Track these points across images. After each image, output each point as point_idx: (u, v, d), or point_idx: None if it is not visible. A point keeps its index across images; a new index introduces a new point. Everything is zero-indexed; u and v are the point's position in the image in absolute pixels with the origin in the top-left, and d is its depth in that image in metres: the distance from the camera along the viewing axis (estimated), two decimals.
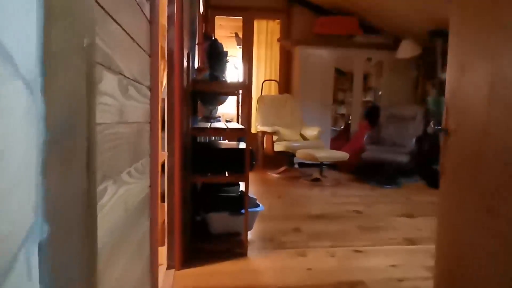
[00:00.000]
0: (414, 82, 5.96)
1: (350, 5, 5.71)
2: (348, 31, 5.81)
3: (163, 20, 2.35)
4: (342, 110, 8.34)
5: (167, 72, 2.06)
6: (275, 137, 5.00)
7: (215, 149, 2.59)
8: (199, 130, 2.48)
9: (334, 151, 4.78)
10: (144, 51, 1.06)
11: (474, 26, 1.50)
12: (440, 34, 5.10)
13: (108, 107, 0.71)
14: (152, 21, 1.13)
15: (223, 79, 2.73)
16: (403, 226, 3.05)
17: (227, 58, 2.89)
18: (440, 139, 5.40)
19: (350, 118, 6.85)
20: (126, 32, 0.84)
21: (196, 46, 3.63)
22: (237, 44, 6.76)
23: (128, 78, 0.87)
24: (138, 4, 0.98)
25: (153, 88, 1.15)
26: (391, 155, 4.55)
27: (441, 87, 5.38)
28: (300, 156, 4.67)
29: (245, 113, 6.28)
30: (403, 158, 4.47)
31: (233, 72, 7.36)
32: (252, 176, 5.19)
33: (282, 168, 5.14)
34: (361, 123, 5.88)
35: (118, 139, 0.78)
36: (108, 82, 0.71)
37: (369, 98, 7.01)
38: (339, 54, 5.89)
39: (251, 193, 3.68)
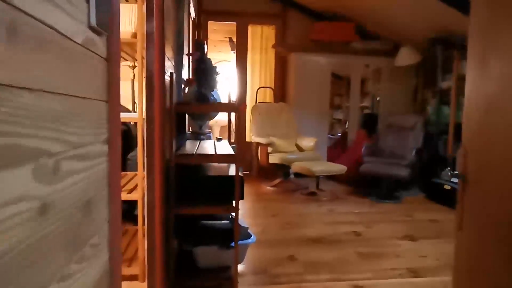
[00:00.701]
0: (413, 90, 5.75)
1: (347, 11, 5.49)
2: (345, 37, 5.59)
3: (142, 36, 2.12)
4: (339, 115, 8.15)
5: (146, 96, 1.83)
6: (269, 149, 4.77)
7: (202, 176, 2.35)
8: (183, 157, 2.25)
9: (331, 164, 4.56)
10: (97, 100, 0.83)
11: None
12: (440, 42, 4.89)
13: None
14: (110, 59, 0.90)
15: (212, 98, 2.50)
16: (406, 253, 2.83)
17: (217, 72, 2.67)
18: (440, 149, 5.26)
19: (347, 124, 6.65)
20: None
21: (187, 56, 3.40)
22: (231, 49, 6.53)
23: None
24: (83, 46, 0.75)
25: (112, 141, 0.92)
26: (390, 169, 4.34)
27: (441, 96, 5.17)
28: (296, 169, 4.45)
29: (239, 125, 6.04)
30: (403, 172, 4.27)
31: (225, 83, 7.16)
32: (246, 188, 4.96)
33: (277, 180, 4.92)
34: (358, 132, 5.67)
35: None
36: None
37: (366, 103, 6.81)
38: (336, 60, 5.67)
39: (243, 214, 3.47)
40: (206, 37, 5.75)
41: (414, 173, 4.58)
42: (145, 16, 1.79)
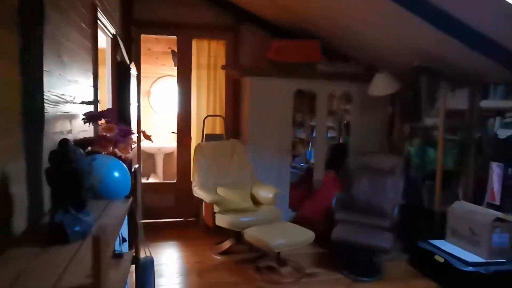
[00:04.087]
0: (388, 122, 4.78)
1: (313, 26, 4.40)
2: (310, 58, 4.51)
3: None
4: (301, 134, 7.09)
5: None
6: (216, 207, 3.60)
7: None
8: None
9: (295, 230, 3.44)
10: None
11: None
12: (425, 71, 3.92)
13: None
14: None
15: (75, 231, 1.30)
16: None
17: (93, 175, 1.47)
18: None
19: (312, 159, 5.60)
20: None
21: None
22: (174, 64, 5.24)
23: None
24: None
25: None
26: (369, 237, 3.31)
27: (426, 134, 4.21)
28: (250, 240, 3.31)
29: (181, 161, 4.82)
30: (386, 243, 3.25)
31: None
32: (188, 253, 3.78)
33: (228, 244, 3.75)
34: (326, 176, 4.62)
35: None
36: None
37: (332, 123, 5.80)
38: (299, 84, 4.58)
39: None
40: (138, 57, 4.45)
41: (396, 233, 3.59)
42: None
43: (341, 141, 5.54)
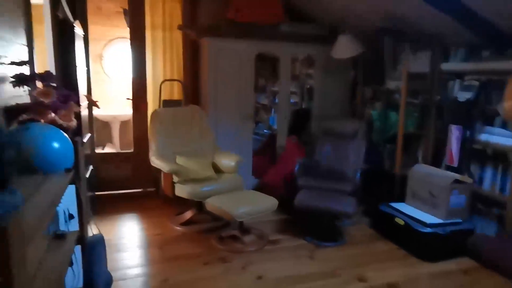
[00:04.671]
0: (351, 86, 4.69)
1: None
2: (272, 18, 4.26)
3: None
4: (264, 100, 6.92)
5: None
6: (175, 178, 3.41)
7: None
8: None
9: (257, 197, 3.33)
10: None
11: None
12: (390, 32, 3.81)
13: None
14: None
15: None
16: None
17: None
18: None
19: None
20: None
21: None
22: (128, 25, 4.81)
23: None
24: None
25: None
26: (332, 203, 3.27)
27: (388, 98, 4.17)
28: (211, 209, 3.17)
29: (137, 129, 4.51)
30: (348, 208, 3.22)
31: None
32: (148, 225, 3.60)
33: (189, 214, 3.60)
34: (289, 142, 4.51)
35: None
36: None
37: (295, 89, 5.67)
38: (261, 47, 4.35)
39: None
40: (84, 15, 4.00)
41: (358, 197, 3.60)
42: None
43: (303, 107, 5.45)
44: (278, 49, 4.42)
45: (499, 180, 3.23)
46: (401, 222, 3.29)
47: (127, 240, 3.28)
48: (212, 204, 3.13)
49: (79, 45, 3.50)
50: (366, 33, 3.94)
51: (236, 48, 4.21)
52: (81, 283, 1.58)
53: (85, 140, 3.46)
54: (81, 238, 1.57)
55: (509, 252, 2.94)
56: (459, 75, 3.56)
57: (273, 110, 6.29)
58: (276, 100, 5.75)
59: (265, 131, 5.81)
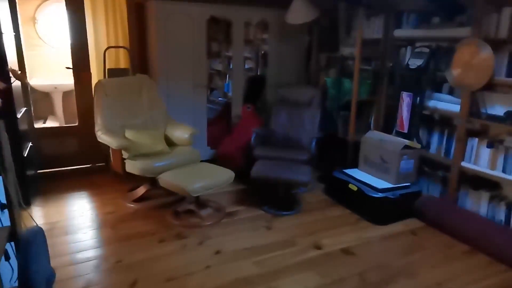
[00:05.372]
0: (305, 52, 4.59)
1: None
2: None
3: None
4: (218, 66, 6.67)
5: None
6: (125, 153, 3.21)
7: None
8: None
9: (213, 170, 3.22)
10: None
11: None
12: None
13: None
14: None
15: None
16: None
17: None
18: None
19: (230, 92, 5.30)
20: None
21: None
22: None
23: None
24: None
25: None
26: (287, 173, 3.24)
27: (342, 64, 4.13)
28: (165, 185, 3.04)
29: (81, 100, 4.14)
30: (304, 176, 3.22)
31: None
32: (99, 203, 3.41)
33: (142, 190, 3.44)
34: (244, 110, 4.39)
35: None
36: None
37: (249, 54, 5.49)
38: (212, 10, 4.09)
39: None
40: None
41: (312, 165, 3.62)
42: None
43: (258, 73, 5.30)
44: (231, 12, 4.18)
45: (445, 144, 3.36)
46: (354, 188, 3.36)
47: (76, 221, 3.09)
48: (165, 180, 2.99)
49: (2, 7, 3.07)
50: None
51: (186, 11, 3.92)
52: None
53: (19, 115, 3.13)
54: (13, 233, 1.40)
55: (451, 213, 3.11)
56: (411, 42, 3.58)
57: (228, 76, 6.09)
58: (231, 66, 5.55)
59: (220, 99, 5.63)
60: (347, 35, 3.96)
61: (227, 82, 6.11)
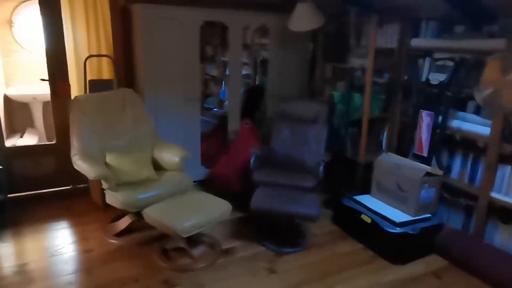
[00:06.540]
0: (309, 61, 4.14)
1: None
2: None
3: None
4: (213, 71, 6.20)
5: None
6: (105, 184, 2.73)
7: None
8: None
9: (207, 205, 2.71)
10: None
11: None
12: (356, 3, 3.26)
13: None
14: None
15: None
16: None
17: None
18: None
19: (226, 99, 4.85)
20: None
21: None
22: None
23: None
24: None
25: None
26: (294, 206, 2.79)
27: (352, 77, 3.69)
28: (151, 222, 2.57)
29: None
30: (313, 209, 2.77)
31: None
32: (75, 236, 2.95)
33: (124, 223, 2.94)
34: (242, 126, 3.93)
35: None
36: None
37: (246, 59, 5.03)
38: (206, 15, 3.63)
39: None
40: None
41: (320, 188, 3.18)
42: None
43: (257, 83, 4.85)
44: (227, 17, 3.72)
45: (469, 169, 2.94)
46: (368, 220, 2.93)
47: (49, 263, 2.62)
48: (150, 216, 2.53)
49: None
50: (328, 2, 3.35)
51: (177, 17, 3.45)
52: None
53: None
54: None
55: (480, 251, 2.69)
56: (429, 53, 3.14)
57: (224, 82, 5.63)
58: (227, 72, 5.08)
59: (215, 109, 5.17)
60: (356, 44, 3.52)
61: (222, 89, 5.65)
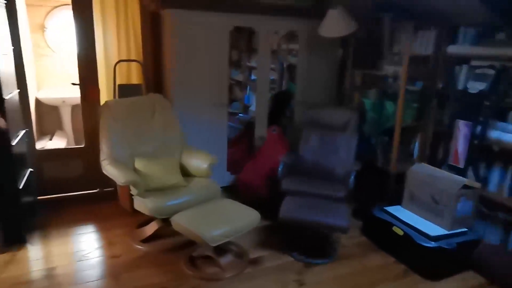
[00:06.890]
0: (338, 68, 4.05)
1: None
2: None
3: None
4: (238, 76, 6.17)
5: None
6: (133, 189, 2.72)
7: None
8: None
9: (236, 214, 2.66)
10: None
11: None
12: (390, 8, 3.16)
13: None
14: None
15: None
16: None
17: None
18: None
19: (252, 105, 4.81)
20: None
21: None
22: None
23: None
24: None
25: None
26: (324, 216, 2.71)
27: (384, 85, 3.58)
28: (179, 230, 2.54)
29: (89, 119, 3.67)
30: (343, 221, 2.68)
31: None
32: (102, 241, 2.95)
33: (151, 229, 2.92)
34: (269, 133, 3.87)
35: None
36: None
37: (273, 65, 4.97)
38: (235, 20, 3.60)
39: None
40: None
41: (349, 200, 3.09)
42: None
43: (283, 88, 4.79)
44: (256, 22, 3.68)
45: (509, 182, 2.79)
46: (400, 232, 2.82)
47: (76, 268, 2.62)
48: (179, 223, 2.50)
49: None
50: (361, 8, 3.27)
51: (206, 22, 3.44)
52: None
53: (14, 141, 2.69)
54: None
55: None
56: (466, 60, 3.01)
57: (248, 87, 5.60)
58: (253, 77, 5.03)
59: (240, 114, 5.14)
60: (389, 50, 3.41)
61: (247, 94, 5.62)
